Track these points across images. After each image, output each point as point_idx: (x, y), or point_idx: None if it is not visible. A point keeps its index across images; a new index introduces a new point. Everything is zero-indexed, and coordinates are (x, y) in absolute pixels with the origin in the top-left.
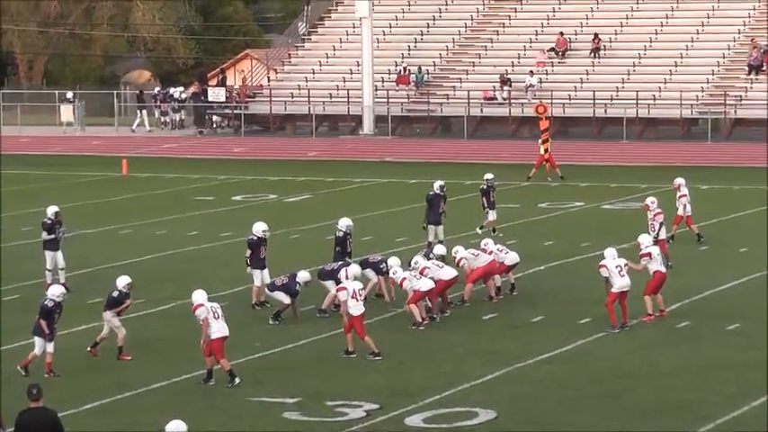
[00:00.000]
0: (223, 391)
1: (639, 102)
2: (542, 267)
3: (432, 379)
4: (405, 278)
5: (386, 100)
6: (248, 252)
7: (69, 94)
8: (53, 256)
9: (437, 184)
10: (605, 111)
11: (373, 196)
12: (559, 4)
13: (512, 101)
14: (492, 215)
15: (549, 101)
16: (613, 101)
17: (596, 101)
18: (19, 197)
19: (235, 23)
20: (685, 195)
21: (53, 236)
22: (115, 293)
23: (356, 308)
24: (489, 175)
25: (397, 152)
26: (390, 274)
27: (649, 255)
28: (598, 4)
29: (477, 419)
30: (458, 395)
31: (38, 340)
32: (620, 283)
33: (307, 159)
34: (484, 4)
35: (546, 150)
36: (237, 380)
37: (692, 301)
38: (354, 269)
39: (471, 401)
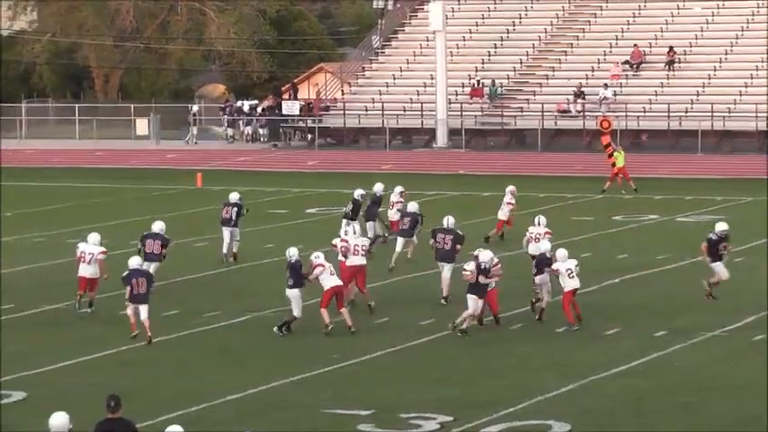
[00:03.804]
0: (298, 403)
1: (714, 114)
2: (617, 280)
3: (505, 391)
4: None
5: (459, 113)
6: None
7: (195, 108)
8: (230, 231)
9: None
10: (680, 123)
11: (447, 209)
12: (634, 16)
13: (586, 113)
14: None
15: (624, 113)
16: (688, 113)
17: (671, 113)
18: (94, 210)
19: (309, 37)
20: (511, 204)
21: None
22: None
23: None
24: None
25: (470, 165)
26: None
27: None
28: (673, 16)
29: None
30: (532, 407)
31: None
32: (571, 283)
33: (380, 172)
34: (558, 17)
35: (614, 164)
36: None
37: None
38: None
39: (545, 414)
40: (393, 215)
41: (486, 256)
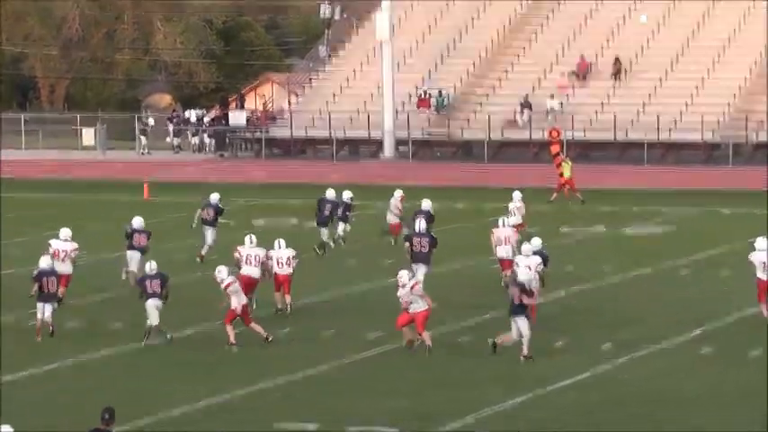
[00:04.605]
0: (249, 418)
1: (660, 126)
2: (563, 293)
3: (454, 403)
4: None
5: (406, 124)
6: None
7: (151, 121)
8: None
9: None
10: (626, 134)
11: None
12: (581, 27)
13: (532, 125)
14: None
15: (570, 124)
16: (634, 125)
17: (617, 125)
18: (40, 221)
19: (256, 48)
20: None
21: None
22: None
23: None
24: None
25: (417, 176)
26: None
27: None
28: (619, 26)
29: None
30: (480, 420)
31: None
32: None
33: (328, 183)
34: (505, 28)
35: (561, 174)
36: None
37: (714, 327)
38: None
39: (494, 426)
40: (392, 219)
41: (523, 275)
